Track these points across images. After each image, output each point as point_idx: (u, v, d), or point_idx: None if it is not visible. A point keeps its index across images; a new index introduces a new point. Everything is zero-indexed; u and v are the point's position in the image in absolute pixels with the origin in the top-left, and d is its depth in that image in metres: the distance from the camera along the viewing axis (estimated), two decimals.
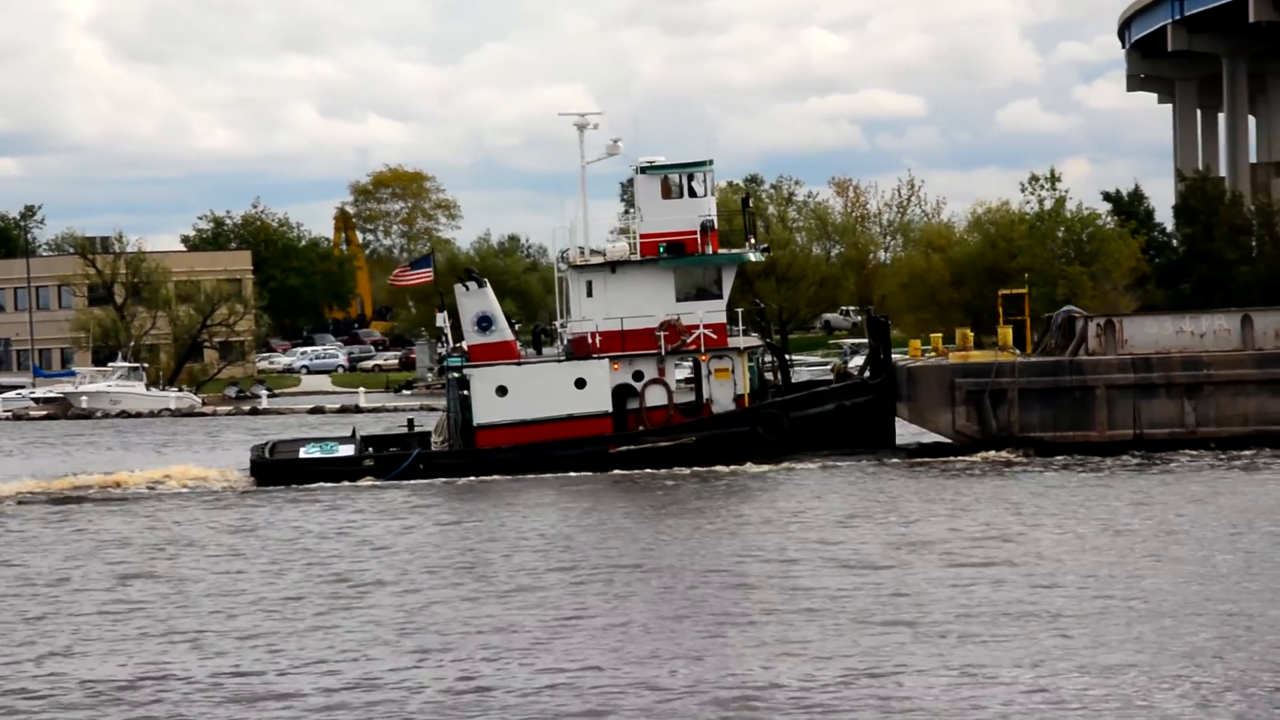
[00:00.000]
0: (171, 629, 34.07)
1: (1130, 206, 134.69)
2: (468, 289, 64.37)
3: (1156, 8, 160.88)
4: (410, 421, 68.97)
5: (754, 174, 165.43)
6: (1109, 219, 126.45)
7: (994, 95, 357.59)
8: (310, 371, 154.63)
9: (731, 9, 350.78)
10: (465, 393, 63.13)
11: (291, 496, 58.40)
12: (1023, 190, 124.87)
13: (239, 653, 31.50)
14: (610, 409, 62.66)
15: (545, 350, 68.07)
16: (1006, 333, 65.03)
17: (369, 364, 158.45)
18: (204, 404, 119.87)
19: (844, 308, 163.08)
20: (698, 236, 63.62)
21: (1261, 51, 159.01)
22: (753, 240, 66.61)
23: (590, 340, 63.41)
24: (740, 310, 66.65)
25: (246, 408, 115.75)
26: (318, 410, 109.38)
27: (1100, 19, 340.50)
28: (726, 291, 64.14)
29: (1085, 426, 61.24)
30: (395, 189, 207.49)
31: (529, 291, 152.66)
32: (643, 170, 64.80)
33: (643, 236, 64.14)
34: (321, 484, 61.16)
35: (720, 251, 64.69)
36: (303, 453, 64.56)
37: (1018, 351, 63.99)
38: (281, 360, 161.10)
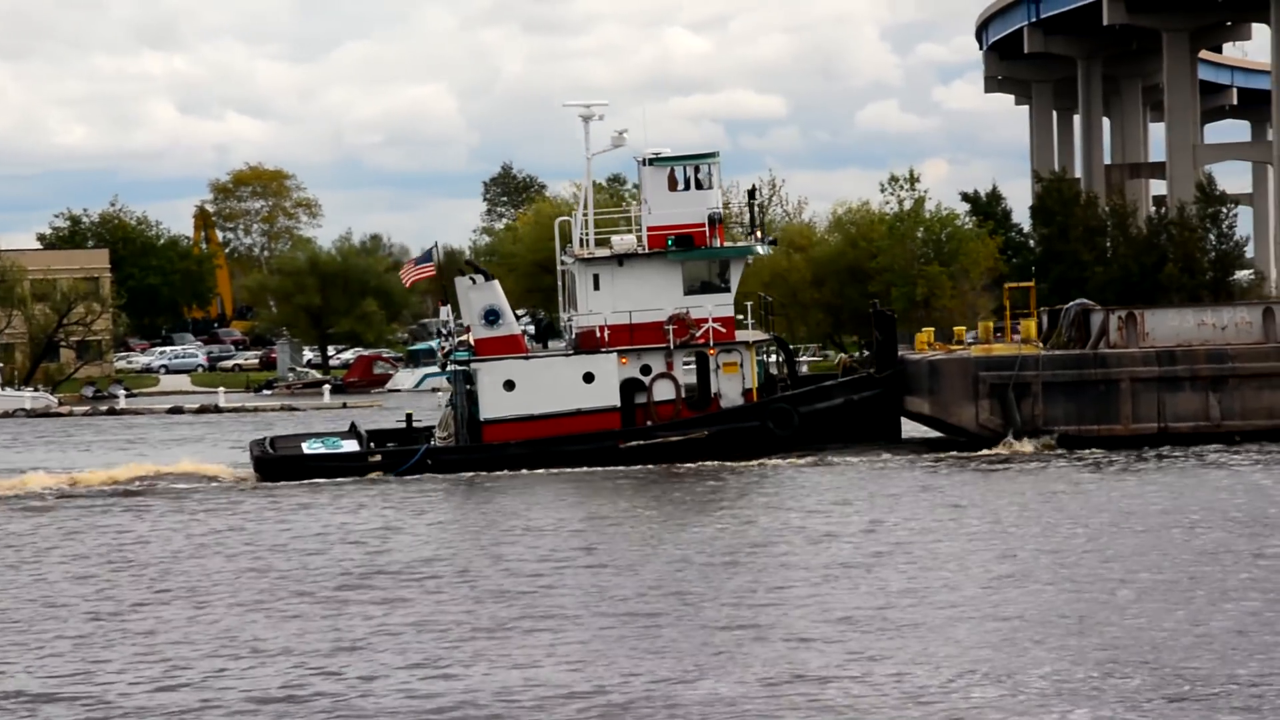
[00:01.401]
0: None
1: (988, 207, 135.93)
2: (474, 282, 63.40)
3: (1013, 10, 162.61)
4: (408, 416, 68.08)
5: (617, 174, 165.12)
6: (967, 219, 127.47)
7: (854, 96, 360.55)
8: (169, 371, 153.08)
9: (593, 9, 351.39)
10: (470, 387, 62.13)
11: (307, 492, 57.05)
12: (882, 190, 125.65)
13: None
14: (618, 403, 62.06)
15: (551, 344, 66.34)
16: (1030, 325, 64.33)
17: (229, 364, 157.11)
18: (60, 404, 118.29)
19: None
20: (706, 229, 63.25)
21: (1115, 54, 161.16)
22: (759, 233, 65.96)
23: (598, 334, 62.73)
24: (749, 304, 66.05)
25: (104, 408, 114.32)
26: (176, 410, 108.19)
27: (958, 21, 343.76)
28: (734, 285, 63.46)
29: (1109, 420, 60.88)
30: (255, 187, 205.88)
31: (391, 291, 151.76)
32: (649, 162, 64.14)
33: (650, 229, 63.33)
34: (329, 480, 60.00)
35: (729, 244, 64.19)
36: (306, 448, 63.65)
37: (1040, 344, 63.40)
38: (140, 360, 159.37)
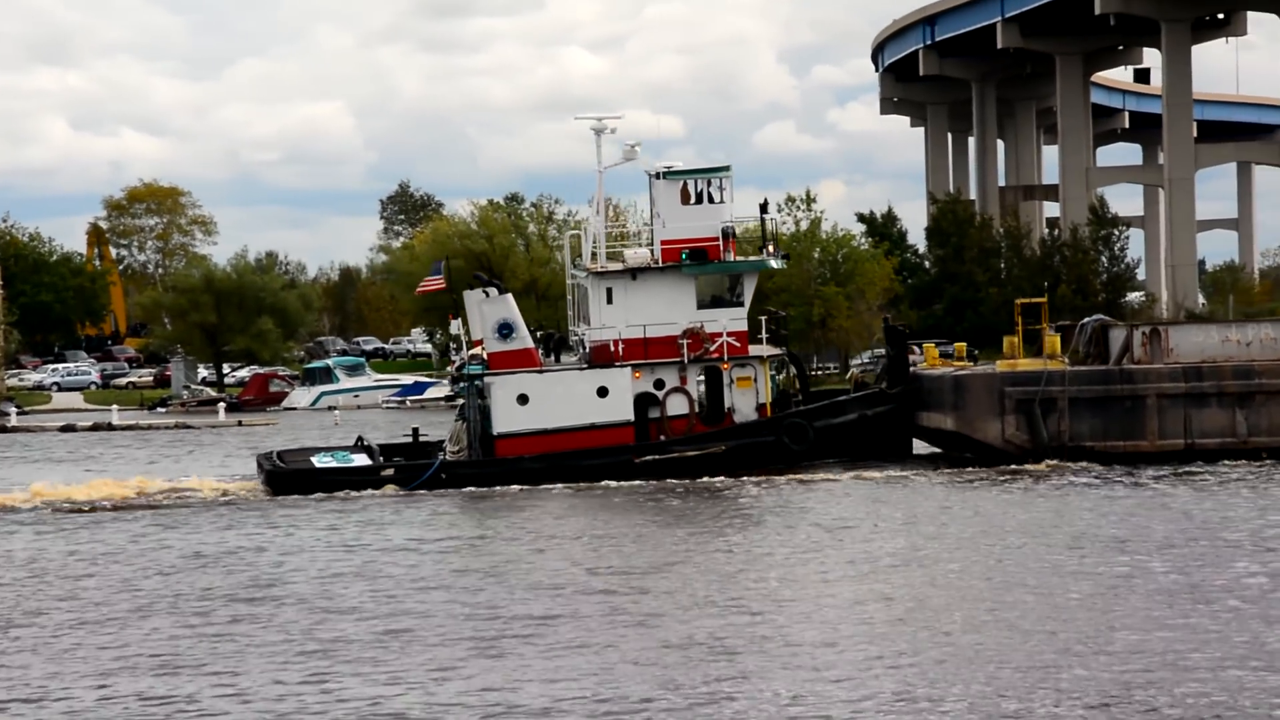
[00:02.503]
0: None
1: (884, 228, 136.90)
2: (487, 295, 62.79)
3: (909, 33, 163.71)
4: (415, 431, 67.44)
5: (515, 192, 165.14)
6: (863, 240, 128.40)
7: (751, 117, 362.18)
8: (61, 389, 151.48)
9: (490, 28, 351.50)
10: (483, 401, 61.56)
11: (337, 507, 56.24)
12: (780, 210, 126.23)
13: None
14: (632, 418, 61.68)
15: (562, 358, 65.39)
16: (1054, 341, 63.88)
17: (123, 381, 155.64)
18: None
19: None
20: (720, 242, 62.98)
21: (1010, 77, 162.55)
22: (770, 248, 65.43)
23: (613, 348, 62.35)
24: (762, 318, 65.54)
25: None
26: (69, 428, 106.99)
27: (854, 43, 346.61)
28: (748, 299, 63.25)
29: (1136, 436, 60.35)
30: (150, 204, 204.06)
31: (286, 308, 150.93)
32: (661, 175, 63.73)
33: (663, 243, 62.94)
34: (342, 493, 59.34)
35: (744, 258, 64.01)
36: (317, 462, 63.02)
37: (1066, 360, 62.80)
38: (32, 377, 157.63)
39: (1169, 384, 60.48)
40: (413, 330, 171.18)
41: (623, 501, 55.22)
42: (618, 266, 63.16)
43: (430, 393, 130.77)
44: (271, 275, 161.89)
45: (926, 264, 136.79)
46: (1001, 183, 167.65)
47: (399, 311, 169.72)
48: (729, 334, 62.36)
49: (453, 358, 65.08)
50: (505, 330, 61.88)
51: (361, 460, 63.06)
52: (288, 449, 67.89)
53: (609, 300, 62.72)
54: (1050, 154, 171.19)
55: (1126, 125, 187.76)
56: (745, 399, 62.48)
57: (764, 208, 67.71)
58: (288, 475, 61.38)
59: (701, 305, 62.66)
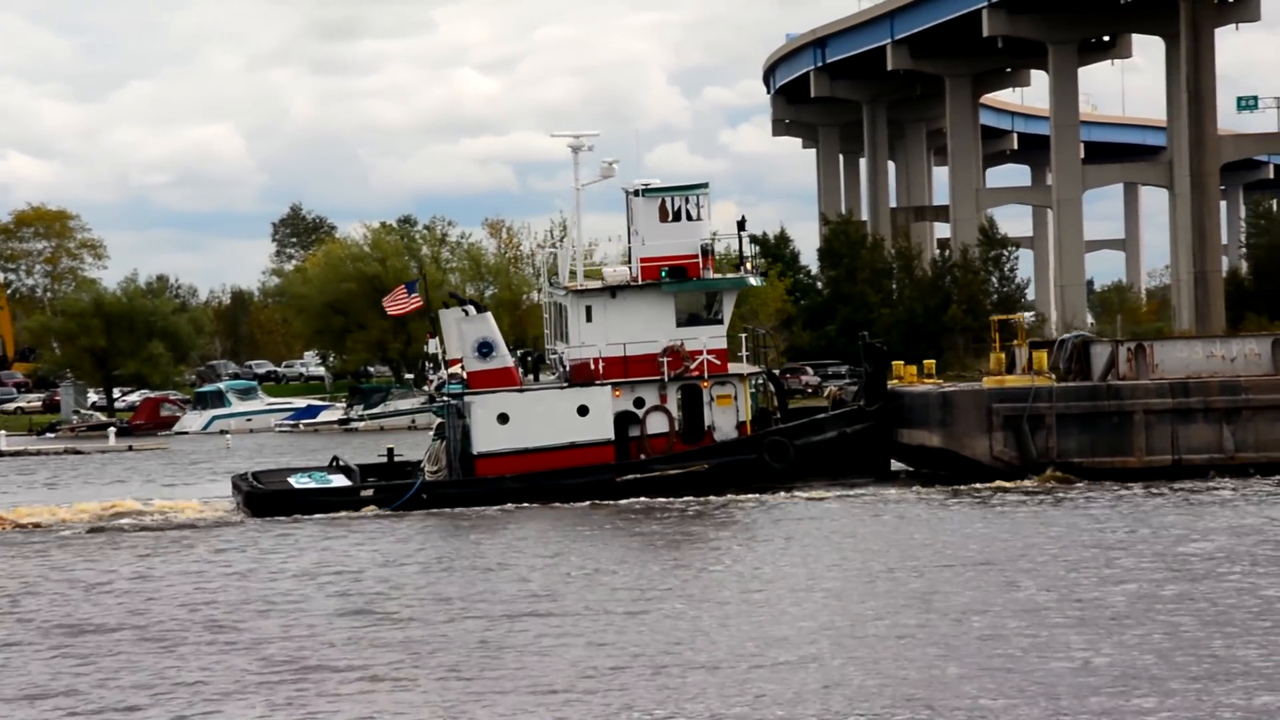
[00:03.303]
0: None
1: (776, 249, 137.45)
2: (467, 314, 62.47)
3: (800, 55, 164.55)
4: (390, 451, 67.02)
5: (407, 214, 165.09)
6: (757, 260, 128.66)
7: (643, 138, 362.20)
8: None
9: (381, 50, 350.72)
10: (463, 420, 61.08)
11: (326, 526, 55.90)
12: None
13: None
14: (613, 437, 61.22)
15: (541, 377, 64.98)
16: (1041, 357, 63.47)
17: (11, 406, 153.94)
18: None
19: None
20: (699, 260, 62.70)
21: (900, 99, 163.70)
22: (748, 265, 65.35)
23: (593, 366, 62.01)
24: (743, 336, 65.27)
25: None
26: None
27: (745, 65, 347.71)
28: (727, 317, 63.12)
29: (1123, 452, 60.22)
30: (38, 228, 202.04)
31: (178, 333, 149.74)
32: (639, 193, 63.39)
33: (643, 260, 62.59)
34: (324, 514, 58.80)
35: (723, 275, 63.72)
36: (295, 483, 62.32)
37: (1053, 376, 62.46)
38: None
39: (1156, 400, 60.31)
40: (306, 353, 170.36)
41: (599, 523, 54.73)
42: (597, 284, 62.88)
43: (323, 416, 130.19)
44: (162, 299, 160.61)
45: (819, 285, 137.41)
46: (893, 204, 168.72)
47: (292, 334, 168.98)
48: (709, 352, 62.11)
49: (430, 377, 64.48)
50: (485, 349, 61.54)
51: (340, 481, 62.58)
52: (263, 469, 67.05)
53: (588, 318, 62.43)
54: (941, 175, 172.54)
55: (1015, 146, 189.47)
56: (725, 417, 62.19)
57: (742, 225, 67.84)
58: (267, 496, 60.76)
59: (681, 323, 62.42)
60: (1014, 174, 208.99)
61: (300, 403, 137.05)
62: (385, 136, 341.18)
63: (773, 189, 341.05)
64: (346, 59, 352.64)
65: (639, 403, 61.78)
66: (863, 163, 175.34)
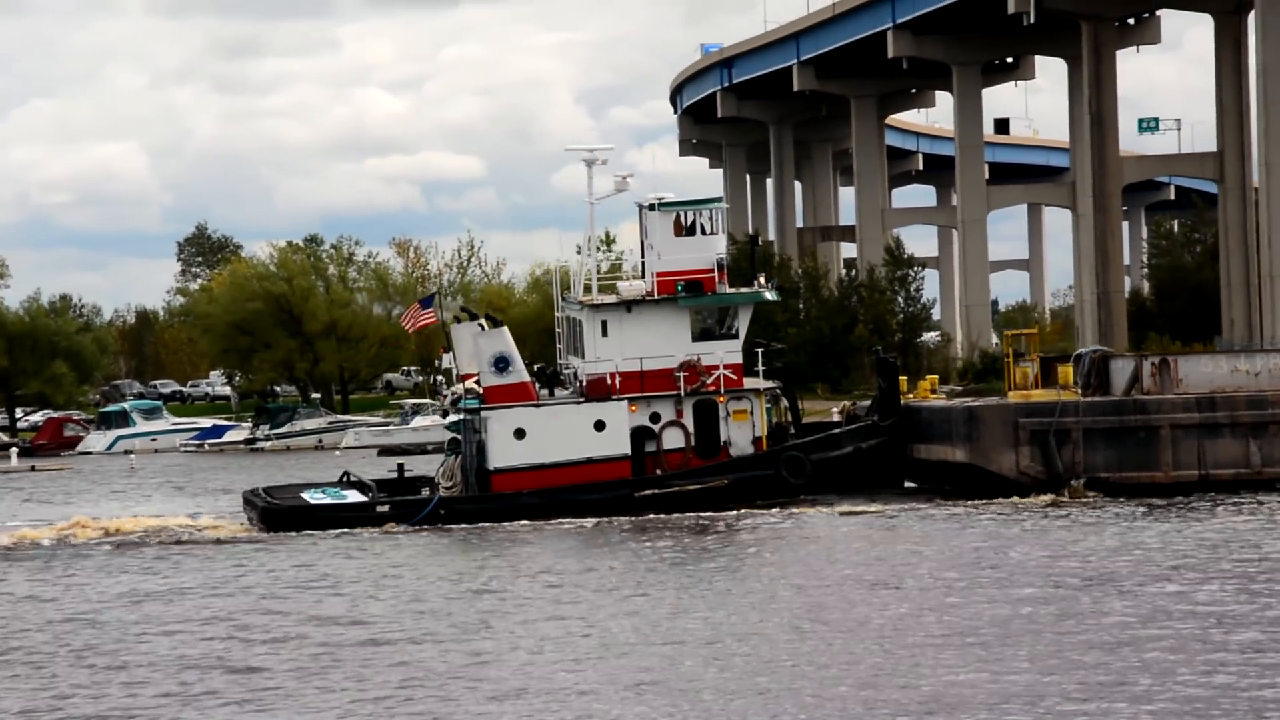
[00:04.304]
0: None
1: None
2: (483, 329, 62.33)
3: (706, 75, 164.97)
4: (400, 467, 66.79)
5: (314, 234, 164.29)
6: None
7: (550, 158, 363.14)
8: None
9: (285, 69, 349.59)
10: (479, 435, 60.79)
11: (349, 542, 55.63)
12: (579, 251, 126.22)
13: None
14: (629, 452, 61.03)
15: (555, 392, 64.27)
16: (1067, 371, 63.32)
17: None
18: None
19: (405, 368, 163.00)
20: (714, 274, 62.58)
21: (806, 119, 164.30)
22: (761, 279, 65.11)
23: (609, 381, 61.72)
24: (758, 351, 64.76)
25: None
26: None
27: (652, 85, 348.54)
28: (743, 331, 62.95)
29: (1150, 467, 59.94)
30: None
31: (81, 352, 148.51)
32: (654, 207, 63.34)
33: (658, 275, 62.42)
34: (342, 530, 58.54)
35: (740, 290, 63.56)
36: (310, 498, 61.99)
37: (1079, 390, 62.37)
38: None
39: (1183, 415, 60.12)
40: (211, 373, 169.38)
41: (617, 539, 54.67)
42: (612, 299, 62.71)
43: (229, 436, 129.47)
44: (65, 318, 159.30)
45: None
46: (799, 224, 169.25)
47: (197, 354, 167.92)
48: (725, 366, 62.06)
49: (443, 392, 64.34)
50: (502, 364, 61.32)
51: (355, 496, 62.29)
52: (274, 485, 66.73)
53: (604, 333, 62.28)
54: (847, 195, 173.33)
55: (920, 167, 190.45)
56: (741, 432, 62.10)
57: (754, 240, 67.54)
58: (284, 512, 60.49)
59: (696, 338, 62.37)
60: (919, 194, 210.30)
61: (205, 422, 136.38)
62: (291, 156, 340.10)
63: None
64: (250, 78, 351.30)
65: (655, 418, 61.68)
66: (769, 183, 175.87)
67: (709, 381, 61.74)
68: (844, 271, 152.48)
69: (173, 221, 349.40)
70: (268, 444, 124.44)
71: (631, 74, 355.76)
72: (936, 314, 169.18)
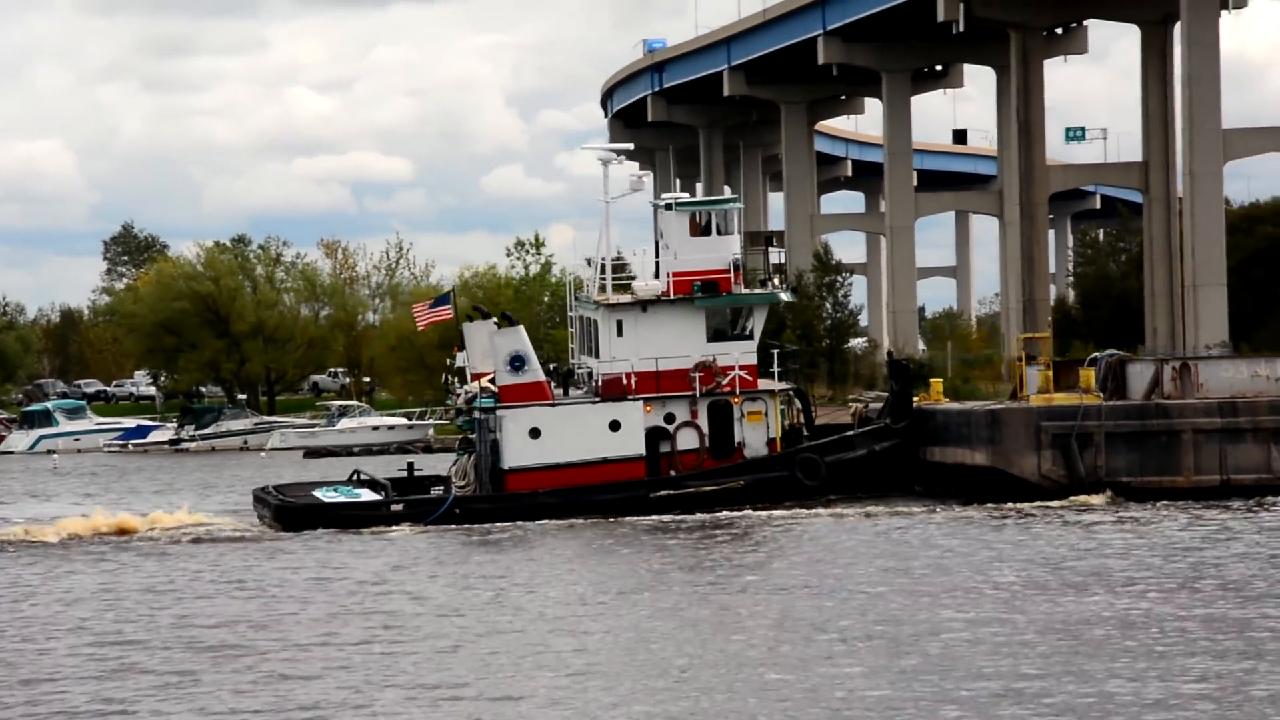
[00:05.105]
0: None
1: (614, 271, 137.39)
2: (498, 327, 62.07)
3: (637, 79, 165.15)
4: (410, 465, 66.63)
5: (241, 234, 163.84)
6: None
7: (480, 160, 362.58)
8: None
9: (214, 68, 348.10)
10: (493, 435, 60.55)
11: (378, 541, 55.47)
12: (509, 254, 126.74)
13: None
14: (644, 452, 60.89)
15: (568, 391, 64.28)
16: (1089, 375, 63.14)
17: None
18: None
19: (332, 369, 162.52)
20: (730, 274, 62.34)
21: (736, 125, 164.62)
22: (776, 280, 64.92)
23: (625, 381, 61.55)
24: (774, 352, 64.86)
25: None
26: None
27: (583, 89, 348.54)
28: (758, 332, 62.85)
29: (1171, 471, 59.95)
30: None
31: (4, 350, 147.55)
32: (670, 206, 63.20)
33: (674, 275, 62.36)
34: (357, 529, 58.32)
35: (755, 291, 63.35)
36: (323, 497, 61.72)
37: (1101, 394, 62.32)
38: None
39: (1204, 419, 60.08)
40: (136, 373, 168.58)
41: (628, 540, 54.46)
42: (628, 299, 62.72)
43: (153, 436, 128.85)
44: None
45: None
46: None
47: (122, 354, 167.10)
48: (740, 367, 62.04)
49: (456, 390, 63.95)
50: (517, 362, 61.27)
51: (368, 495, 62.06)
52: (285, 484, 66.60)
53: (619, 333, 62.32)
54: (776, 201, 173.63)
55: (849, 173, 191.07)
56: (756, 433, 62.20)
57: (769, 240, 67.47)
58: (299, 510, 60.26)
59: (711, 338, 62.32)
60: (848, 200, 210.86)
61: (130, 423, 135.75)
62: (219, 155, 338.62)
63: (610, 212, 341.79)
64: (179, 76, 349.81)
65: (669, 418, 61.71)
66: (699, 187, 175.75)
67: (724, 382, 61.76)
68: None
69: (99, 220, 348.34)
70: (193, 445, 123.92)
71: (562, 77, 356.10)
72: (864, 320, 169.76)
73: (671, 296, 62.41)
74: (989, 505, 59.08)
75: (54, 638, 38.48)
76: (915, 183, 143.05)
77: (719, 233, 63.17)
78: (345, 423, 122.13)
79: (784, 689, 30.69)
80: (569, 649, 35.16)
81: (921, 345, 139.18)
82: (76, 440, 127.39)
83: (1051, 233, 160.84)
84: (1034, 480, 60.43)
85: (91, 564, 52.26)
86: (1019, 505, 58.95)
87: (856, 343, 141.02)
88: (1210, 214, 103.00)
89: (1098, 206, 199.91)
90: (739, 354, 62.13)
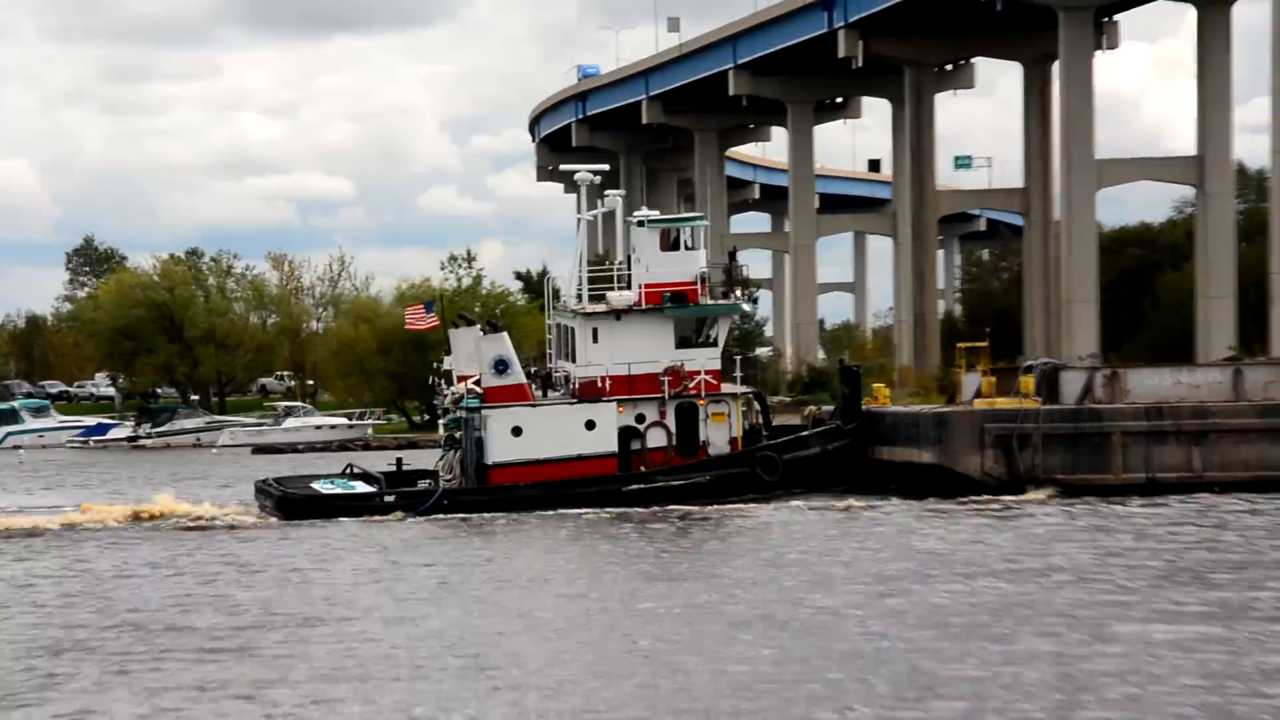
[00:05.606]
0: None
1: (539, 285, 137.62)
2: (485, 334, 62.56)
3: (562, 107, 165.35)
4: (399, 460, 66.78)
5: (195, 247, 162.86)
6: (520, 296, 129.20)
7: (416, 180, 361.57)
8: None
9: (170, 93, 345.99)
10: (478, 432, 60.91)
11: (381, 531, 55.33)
12: (443, 268, 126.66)
13: None
14: (616, 449, 61.34)
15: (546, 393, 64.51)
16: (1028, 381, 63.27)
17: None
18: None
19: (279, 372, 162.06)
20: (697, 286, 62.72)
21: (654, 150, 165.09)
22: (739, 292, 65.15)
23: (600, 384, 61.98)
24: (736, 358, 65.40)
25: None
26: None
27: (512, 115, 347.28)
28: (722, 340, 63.34)
29: (1102, 470, 60.52)
30: None
31: None
32: (642, 223, 63.66)
33: (645, 286, 62.70)
34: (353, 519, 58.37)
35: (719, 302, 63.65)
36: (322, 489, 61.98)
37: (1039, 399, 62.60)
38: None
39: (1132, 422, 60.84)
40: (97, 375, 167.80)
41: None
42: (603, 308, 63.00)
43: (113, 434, 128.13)
44: None
45: None
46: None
47: (84, 357, 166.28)
48: (705, 372, 62.43)
49: (444, 392, 64.19)
50: (501, 366, 61.80)
51: (362, 487, 62.30)
52: (284, 476, 66.61)
53: (595, 339, 62.71)
54: None
55: (757, 196, 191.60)
56: (719, 433, 62.56)
57: (732, 254, 67.88)
58: (300, 501, 60.41)
59: (679, 345, 62.71)
60: (756, 221, 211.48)
61: (91, 421, 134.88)
62: (174, 174, 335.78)
63: (536, 230, 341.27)
64: (137, 101, 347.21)
65: (640, 418, 62.10)
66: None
67: (690, 386, 62.32)
68: None
69: (62, 233, 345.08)
70: (149, 441, 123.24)
71: (492, 105, 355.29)
72: (769, 330, 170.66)
73: (643, 306, 63.04)
74: (930, 499, 59.49)
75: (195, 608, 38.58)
76: (817, 205, 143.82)
77: (687, 248, 63.78)
78: (290, 422, 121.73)
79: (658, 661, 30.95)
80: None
81: (821, 354, 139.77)
82: (41, 437, 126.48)
83: (940, 252, 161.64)
84: (977, 477, 61.08)
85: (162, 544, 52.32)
86: (950, 501, 59.37)
87: (762, 352, 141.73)
88: (1084, 236, 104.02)
89: (983, 228, 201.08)
90: (704, 360, 62.79)
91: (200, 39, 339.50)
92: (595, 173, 66.95)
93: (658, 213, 65.07)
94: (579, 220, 65.80)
